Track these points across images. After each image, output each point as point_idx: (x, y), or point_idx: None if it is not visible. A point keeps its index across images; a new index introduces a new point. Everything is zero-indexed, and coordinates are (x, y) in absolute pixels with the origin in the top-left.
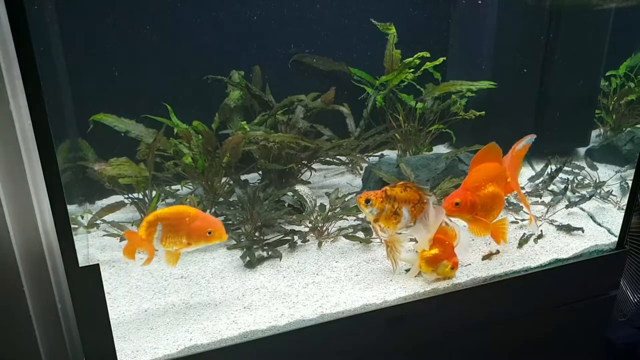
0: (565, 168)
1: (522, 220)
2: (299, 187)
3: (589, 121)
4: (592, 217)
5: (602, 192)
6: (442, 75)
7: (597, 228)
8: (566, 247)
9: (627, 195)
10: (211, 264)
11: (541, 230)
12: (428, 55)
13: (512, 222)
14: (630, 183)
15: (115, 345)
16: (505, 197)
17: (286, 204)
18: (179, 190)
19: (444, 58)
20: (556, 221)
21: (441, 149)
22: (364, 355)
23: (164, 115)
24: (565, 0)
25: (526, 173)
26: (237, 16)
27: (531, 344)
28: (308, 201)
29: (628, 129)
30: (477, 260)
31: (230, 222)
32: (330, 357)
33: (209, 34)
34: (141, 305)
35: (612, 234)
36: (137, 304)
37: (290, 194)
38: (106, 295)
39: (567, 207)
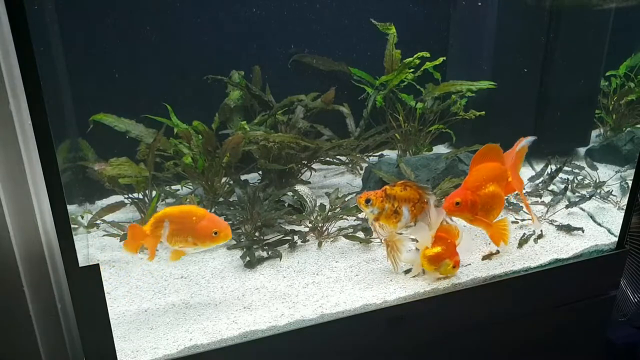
0: (565, 168)
1: (522, 220)
2: (299, 187)
3: (589, 121)
4: (592, 217)
5: (602, 192)
6: (442, 75)
7: (597, 228)
8: (566, 247)
9: (627, 195)
10: (211, 264)
11: (541, 230)
12: (428, 55)
13: (512, 222)
14: (630, 183)
15: (115, 345)
16: (505, 197)
17: (286, 204)
18: (179, 190)
19: (444, 58)
20: (556, 221)
21: (441, 149)
22: (364, 355)
23: (164, 115)
24: (565, 0)
25: (526, 173)
26: (237, 16)
27: (531, 344)
28: (308, 201)
29: (628, 129)
30: (477, 260)
31: (230, 222)
32: (330, 357)
33: (209, 34)
34: (141, 305)
35: (612, 234)
36: (137, 304)
37: (290, 194)
38: (106, 295)
39: (567, 207)
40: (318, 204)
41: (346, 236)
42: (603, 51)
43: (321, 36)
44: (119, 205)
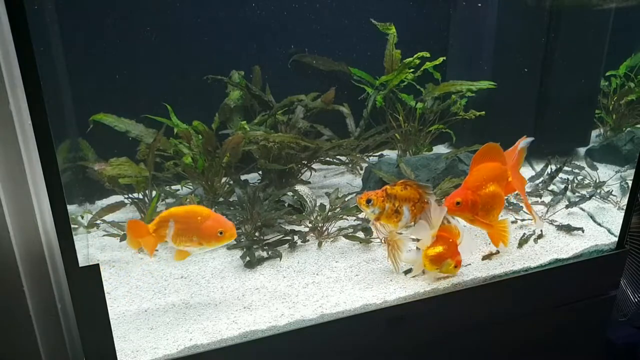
0: (565, 168)
1: (522, 220)
2: (299, 187)
3: (589, 121)
4: (592, 217)
5: (602, 192)
6: (442, 75)
7: (597, 228)
8: (566, 247)
9: (627, 195)
10: (211, 264)
11: (541, 230)
12: (428, 55)
13: (512, 222)
14: (630, 183)
15: (115, 345)
16: (505, 197)
17: (286, 204)
18: (179, 190)
19: (444, 58)
20: (556, 221)
21: (441, 149)
22: (364, 355)
23: (164, 115)
24: (565, 0)
25: (526, 173)
26: (237, 16)
27: (531, 344)
28: (308, 201)
29: (628, 129)
30: (477, 260)
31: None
32: (330, 357)
33: (209, 34)
34: (141, 305)
35: (612, 234)
36: (137, 304)
37: (290, 194)
38: (106, 295)
39: (567, 207)
40: (318, 204)
41: (346, 236)
42: (603, 51)
43: (321, 36)
44: (119, 205)
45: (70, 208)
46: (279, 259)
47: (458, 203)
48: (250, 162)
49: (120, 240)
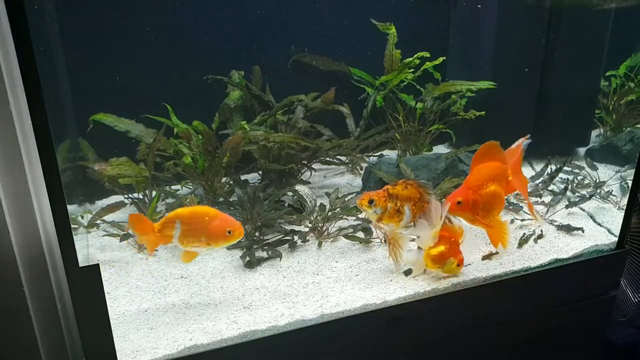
0: (565, 168)
1: (522, 220)
2: (299, 187)
3: (589, 121)
4: (592, 217)
5: (602, 192)
6: (442, 75)
7: (597, 228)
8: (566, 247)
9: (627, 195)
10: (211, 264)
11: (541, 230)
12: (428, 55)
13: (511, 222)
14: (630, 183)
15: (115, 345)
16: (505, 197)
17: (286, 204)
18: (179, 190)
19: (444, 58)
20: (556, 221)
21: (441, 149)
22: (364, 355)
23: (164, 115)
24: (565, 0)
25: (526, 173)
26: (237, 16)
27: (531, 344)
28: (308, 201)
29: (628, 129)
30: (477, 260)
31: None
32: (330, 357)
33: (209, 34)
34: (141, 305)
35: (612, 234)
36: (137, 304)
37: (290, 194)
38: (106, 295)
39: (567, 207)
40: (318, 204)
41: (346, 236)
42: (603, 51)
43: (321, 36)
44: (119, 205)
45: (70, 208)
46: (279, 259)
47: (459, 202)
48: (250, 162)
49: (120, 241)
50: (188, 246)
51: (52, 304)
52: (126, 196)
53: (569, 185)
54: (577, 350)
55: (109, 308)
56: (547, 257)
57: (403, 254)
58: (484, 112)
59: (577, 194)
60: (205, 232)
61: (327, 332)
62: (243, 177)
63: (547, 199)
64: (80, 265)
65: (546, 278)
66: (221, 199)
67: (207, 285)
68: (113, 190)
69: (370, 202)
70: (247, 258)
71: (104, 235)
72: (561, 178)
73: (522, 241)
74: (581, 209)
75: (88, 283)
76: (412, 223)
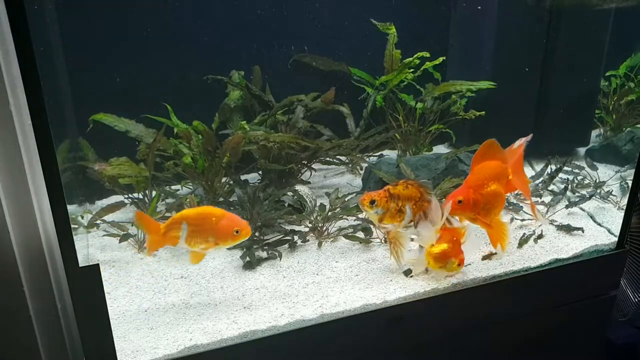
0: (565, 168)
1: (522, 220)
2: (299, 187)
3: (589, 121)
4: (592, 217)
5: (602, 192)
6: (442, 75)
7: (597, 228)
8: (566, 247)
9: (627, 195)
10: (211, 264)
11: (541, 230)
12: (428, 55)
13: (511, 221)
14: (630, 183)
15: (115, 345)
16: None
17: (286, 204)
18: (179, 190)
19: (444, 58)
20: (556, 221)
21: (441, 149)
22: (364, 355)
23: (164, 115)
24: (565, 0)
25: (526, 173)
26: (237, 16)
27: (531, 344)
28: (308, 201)
29: (628, 129)
30: (477, 260)
31: None
32: (330, 357)
33: (209, 34)
34: (141, 305)
35: (612, 234)
36: (137, 304)
37: (290, 194)
38: (106, 295)
39: (567, 207)
40: (318, 204)
41: (346, 236)
42: (603, 51)
43: (321, 36)
44: (119, 205)
45: (70, 208)
46: (279, 259)
47: (460, 202)
48: (250, 162)
49: (120, 241)
50: (195, 247)
51: (52, 304)
52: (126, 196)
53: (569, 185)
54: (577, 350)
55: (109, 308)
56: (547, 257)
57: (404, 252)
58: (484, 112)
59: (577, 194)
60: (213, 232)
61: (327, 332)
62: (243, 177)
63: (547, 199)
64: (80, 265)
65: (546, 278)
66: (221, 199)
67: (207, 285)
68: (113, 190)
69: (372, 202)
70: (247, 258)
71: (104, 235)
72: (561, 178)
73: (522, 241)
74: (581, 209)
75: (88, 283)
76: (413, 223)
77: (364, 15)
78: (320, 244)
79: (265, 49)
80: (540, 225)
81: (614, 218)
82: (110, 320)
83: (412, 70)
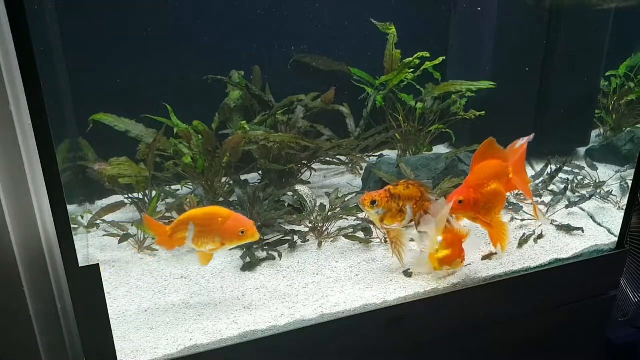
0: (565, 168)
1: (522, 220)
2: (299, 187)
3: (589, 121)
4: (592, 217)
5: (602, 192)
6: (442, 75)
7: (597, 228)
8: (566, 247)
9: (627, 195)
10: (211, 264)
11: (541, 230)
12: (428, 55)
13: (511, 221)
14: (630, 183)
15: (115, 345)
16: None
17: (286, 204)
18: (179, 190)
19: (444, 58)
20: (556, 221)
21: (441, 149)
22: (364, 355)
23: (164, 115)
24: (565, 0)
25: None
26: (237, 16)
27: (531, 344)
28: (308, 201)
29: (628, 129)
30: (477, 260)
31: None
32: (330, 357)
33: (209, 34)
34: (141, 305)
35: (612, 234)
36: (137, 304)
37: (290, 194)
38: (106, 295)
39: (567, 207)
40: (318, 204)
41: (346, 236)
42: (603, 51)
43: (321, 36)
44: (119, 205)
45: (70, 208)
46: (279, 259)
47: (461, 201)
48: (250, 162)
49: (120, 242)
50: (202, 247)
51: (52, 304)
52: (126, 196)
53: (569, 185)
54: (577, 350)
55: (109, 308)
56: (547, 257)
57: (406, 250)
58: (484, 112)
59: (577, 194)
60: (219, 232)
61: (327, 332)
62: (243, 177)
63: (547, 199)
64: (80, 265)
65: (546, 278)
66: (221, 199)
67: (207, 285)
68: (113, 190)
69: (373, 202)
70: (247, 258)
71: (104, 235)
72: (561, 178)
73: (522, 241)
74: (581, 209)
75: (88, 283)
76: (413, 222)
77: (364, 15)
78: (320, 244)
79: (265, 49)
80: (540, 225)
81: (614, 218)
82: (110, 320)
83: (412, 70)
